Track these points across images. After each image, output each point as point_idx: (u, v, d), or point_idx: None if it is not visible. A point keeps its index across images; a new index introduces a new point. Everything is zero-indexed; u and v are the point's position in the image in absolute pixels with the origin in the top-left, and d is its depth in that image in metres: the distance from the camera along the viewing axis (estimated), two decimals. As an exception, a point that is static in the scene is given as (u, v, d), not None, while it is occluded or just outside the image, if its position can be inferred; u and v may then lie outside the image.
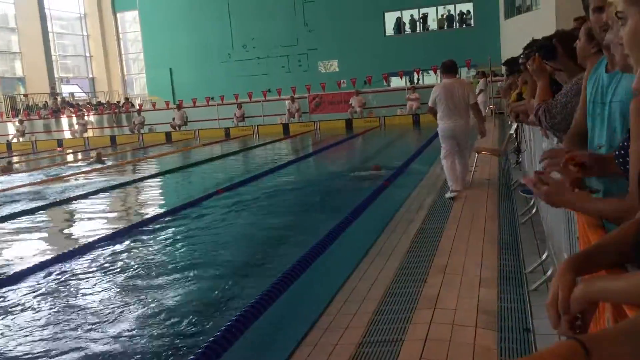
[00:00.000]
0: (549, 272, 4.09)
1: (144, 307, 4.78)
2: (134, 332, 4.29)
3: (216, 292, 5.04)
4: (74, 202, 10.03)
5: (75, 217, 9.26)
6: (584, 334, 1.18)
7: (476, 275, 4.34)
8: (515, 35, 21.79)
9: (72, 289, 5.39)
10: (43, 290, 5.36)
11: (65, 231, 8.03)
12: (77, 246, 6.76)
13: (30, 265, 6.02)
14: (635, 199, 1.47)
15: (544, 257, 4.46)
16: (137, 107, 29.79)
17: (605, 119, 2.15)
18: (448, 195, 7.19)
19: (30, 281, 5.61)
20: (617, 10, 1.32)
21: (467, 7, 29.16)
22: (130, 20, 38.96)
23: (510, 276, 4.33)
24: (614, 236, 1.35)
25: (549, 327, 3.52)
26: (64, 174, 14.29)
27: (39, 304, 5.00)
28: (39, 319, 4.67)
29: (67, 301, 5.07)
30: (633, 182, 1.49)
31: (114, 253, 6.49)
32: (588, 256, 1.33)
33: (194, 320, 4.44)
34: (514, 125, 7.88)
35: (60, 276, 5.74)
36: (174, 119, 25.88)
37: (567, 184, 1.75)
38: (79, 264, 6.11)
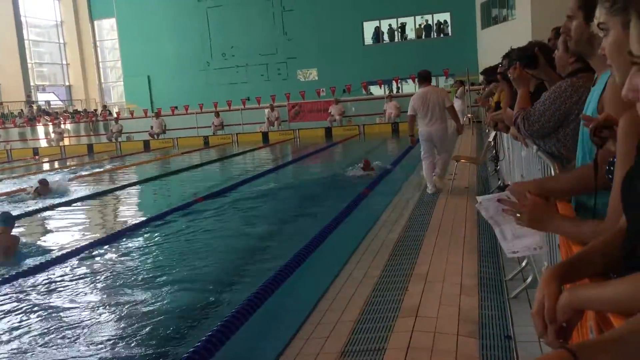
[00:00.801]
0: (529, 280, 4.12)
1: (122, 317, 4.71)
2: (112, 342, 4.22)
3: (196, 302, 4.99)
4: (51, 210, 9.87)
5: (50, 226, 9.10)
6: (568, 341, 1.19)
7: (457, 283, 4.36)
8: (492, 45, 22.13)
9: (49, 299, 5.29)
10: (19, 300, 5.25)
11: (43, 241, 7.88)
12: (52, 256, 6.64)
13: (7, 275, 5.91)
14: (613, 220, 1.48)
15: (523, 264, 4.50)
16: (115, 115, 29.51)
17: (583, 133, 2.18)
18: (428, 191, 8.05)
19: (6, 290, 5.49)
20: (599, 22, 1.33)
21: (445, 17, 29.49)
22: (107, 28, 38.65)
23: (491, 284, 4.36)
24: (598, 245, 1.36)
25: (529, 335, 3.55)
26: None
27: (14, 315, 4.89)
28: (14, 330, 4.57)
29: (45, 310, 4.98)
30: (613, 203, 1.50)
31: (91, 263, 6.39)
32: (572, 265, 1.33)
33: (173, 330, 4.39)
34: (493, 134, 7.96)
35: (38, 286, 5.64)
36: (152, 127, 25.68)
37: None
38: (57, 274, 6.00)
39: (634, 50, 0.92)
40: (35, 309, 5.05)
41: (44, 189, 11.03)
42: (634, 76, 0.97)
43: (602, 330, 1.23)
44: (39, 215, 9.60)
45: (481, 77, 15.09)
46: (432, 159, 8.10)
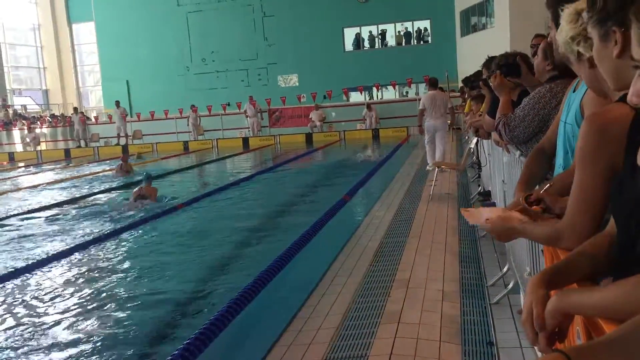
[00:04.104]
0: (510, 285, 4.13)
1: (93, 326, 4.62)
2: (80, 349, 4.13)
3: (173, 310, 4.92)
4: (23, 216, 9.67)
5: (27, 234, 8.90)
6: (562, 345, 1.17)
7: (438, 289, 4.35)
8: (471, 52, 22.34)
9: (21, 307, 5.17)
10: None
11: (15, 249, 7.71)
12: (27, 264, 6.50)
13: None
14: (568, 221, 1.50)
15: (504, 270, 4.51)
16: (93, 119, 29.19)
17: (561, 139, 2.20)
18: (427, 168, 10.53)
19: None
20: (587, 31, 1.37)
21: (425, 24, 29.71)
22: (85, 32, 38.20)
23: (472, 289, 4.36)
24: (585, 250, 1.35)
25: (511, 341, 3.55)
26: (9, 188, 13.82)
27: None
28: None
29: (22, 319, 4.86)
30: (571, 207, 1.51)
31: (66, 271, 6.27)
32: (559, 271, 1.32)
33: (146, 340, 4.31)
34: (474, 140, 8.01)
35: (14, 294, 5.51)
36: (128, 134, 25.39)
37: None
38: (30, 281, 5.88)
39: (635, 55, 0.92)
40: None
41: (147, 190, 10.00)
42: (637, 81, 0.96)
43: (590, 335, 1.22)
44: (8, 220, 9.41)
45: (460, 84, 15.23)
46: (433, 145, 10.61)
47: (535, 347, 1.21)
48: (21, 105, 35.41)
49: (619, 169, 1.34)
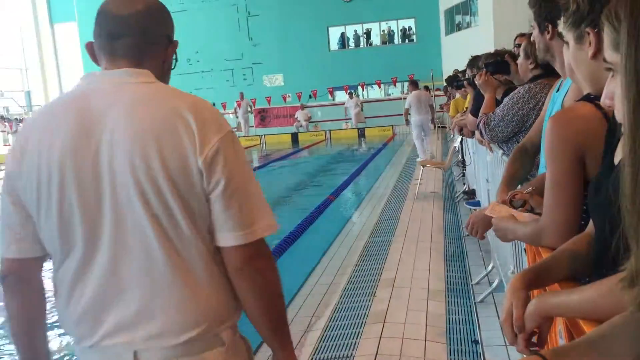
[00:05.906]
0: (495, 284, 4.16)
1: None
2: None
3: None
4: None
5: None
6: (542, 347, 1.18)
7: (424, 288, 4.36)
8: (456, 51, 22.45)
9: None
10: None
11: None
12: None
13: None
14: (547, 218, 1.51)
15: (489, 268, 4.54)
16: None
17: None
18: (418, 160, 11.11)
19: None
20: (563, 35, 1.38)
21: (409, 23, 29.78)
22: (68, 33, 37.83)
23: (457, 288, 4.38)
24: (565, 250, 1.35)
25: (496, 339, 3.56)
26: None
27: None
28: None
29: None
30: (546, 205, 1.53)
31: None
32: (539, 271, 1.33)
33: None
34: (459, 139, 8.04)
35: None
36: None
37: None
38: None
39: (607, 57, 0.93)
40: None
41: None
42: (610, 83, 0.97)
43: (571, 334, 1.22)
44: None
45: (444, 83, 15.30)
46: (421, 138, 12.08)
47: (514, 347, 1.21)
48: (3, 107, 35.04)
49: (591, 163, 1.36)
